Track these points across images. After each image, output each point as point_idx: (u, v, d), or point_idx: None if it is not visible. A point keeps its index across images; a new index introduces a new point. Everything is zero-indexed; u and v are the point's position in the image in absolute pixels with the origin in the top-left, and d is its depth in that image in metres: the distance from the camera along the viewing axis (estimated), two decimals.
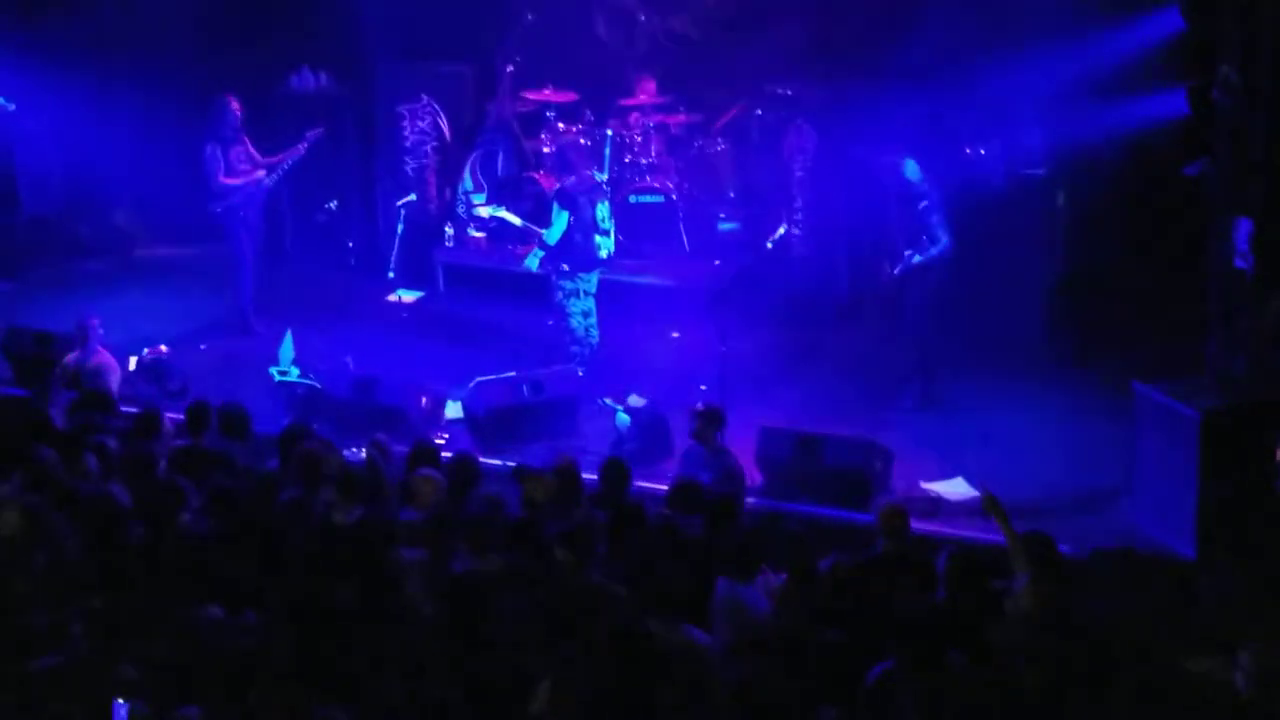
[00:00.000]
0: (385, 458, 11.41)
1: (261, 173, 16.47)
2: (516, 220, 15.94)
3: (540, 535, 9.90)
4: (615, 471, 11.20)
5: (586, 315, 15.21)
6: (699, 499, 10.78)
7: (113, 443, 11.39)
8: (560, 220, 15.01)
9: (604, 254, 15.41)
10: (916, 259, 14.39)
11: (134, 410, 12.71)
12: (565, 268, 15.11)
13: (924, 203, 14.39)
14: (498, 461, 13.02)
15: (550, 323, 15.50)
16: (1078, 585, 9.81)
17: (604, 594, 9.22)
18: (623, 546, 10.13)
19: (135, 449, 11.35)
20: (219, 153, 16.29)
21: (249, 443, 12.03)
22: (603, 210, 15.39)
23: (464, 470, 11.16)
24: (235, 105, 16.38)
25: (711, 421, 12.44)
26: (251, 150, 16.53)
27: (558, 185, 15.61)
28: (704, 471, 11.98)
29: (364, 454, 11.59)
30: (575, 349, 15.17)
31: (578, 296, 15.15)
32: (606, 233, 15.38)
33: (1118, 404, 13.14)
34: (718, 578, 9.56)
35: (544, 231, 15.22)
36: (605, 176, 17.45)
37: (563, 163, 15.89)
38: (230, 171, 16.36)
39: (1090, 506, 12.75)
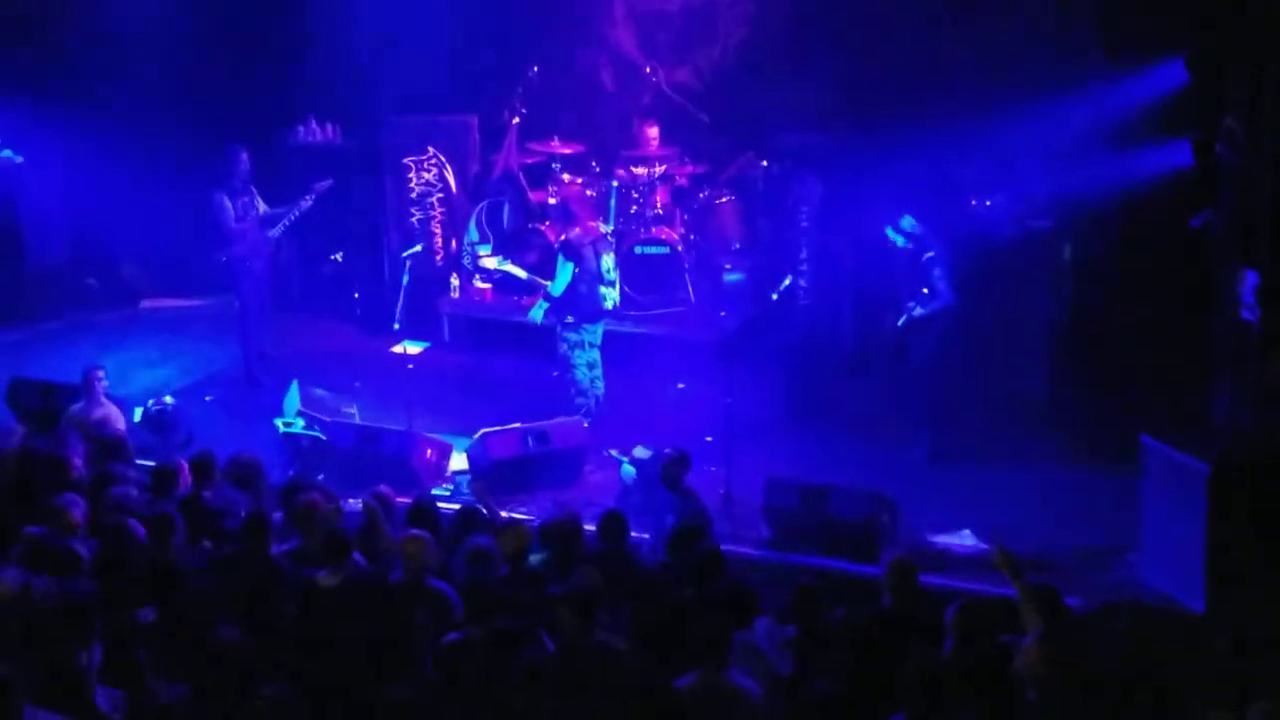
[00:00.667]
0: (388, 511, 11.36)
1: (279, 229, 16.49)
2: (521, 273, 15.95)
3: (526, 591, 9.84)
4: (613, 525, 11.14)
5: (592, 366, 15.23)
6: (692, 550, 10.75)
7: (132, 492, 11.36)
8: (565, 272, 15.03)
9: (609, 305, 15.43)
10: (918, 311, 14.39)
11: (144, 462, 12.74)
12: (570, 319, 15.13)
13: (928, 254, 14.40)
14: (503, 513, 12.99)
15: (555, 374, 15.50)
16: (1086, 639, 9.74)
17: (609, 653, 9.15)
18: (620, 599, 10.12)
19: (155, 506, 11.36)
20: (225, 201, 16.29)
21: (260, 493, 11.98)
22: (607, 261, 15.41)
23: (466, 523, 11.14)
24: (244, 156, 16.41)
25: (678, 466, 12.46)
26: (258, 201, 16.54)
27: (562, 237, 15.63)
28: (670, 514, 11.95)
29: (361, 505, 11.54)
30: (580, 400, 15.17)
31: (582, 348, 15.16)
32: (611, 284, 15.40)
33: (1125, 456, 13.09)
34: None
35: (548, 284, 15.24)
36: (611, 227, 17.48)
37: (566, 214, 15.90)
38: (237, 224, 16.36)
39: (1098, 559, 12.69)
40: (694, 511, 12.17)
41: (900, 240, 14.53)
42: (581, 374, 15.19)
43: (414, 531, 10.45)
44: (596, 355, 15.33)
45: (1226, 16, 13.23)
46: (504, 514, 11.93)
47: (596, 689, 8.70)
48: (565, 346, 15.24)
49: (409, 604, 9.90)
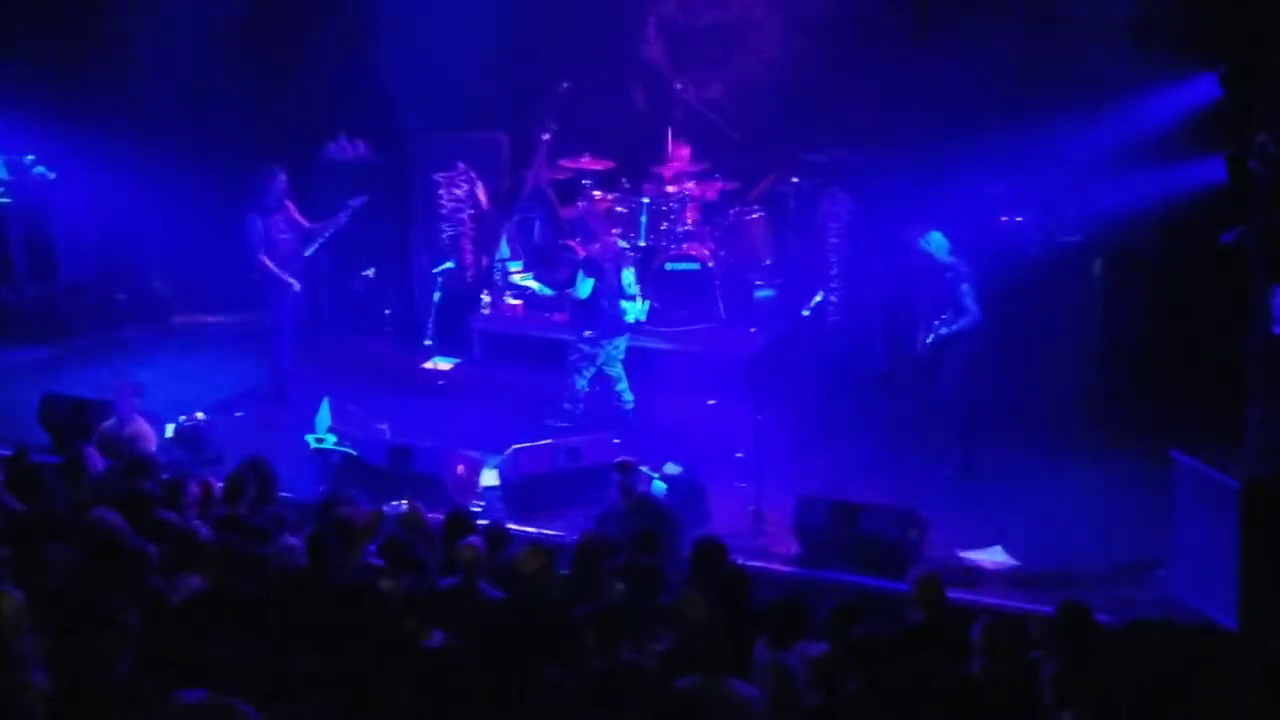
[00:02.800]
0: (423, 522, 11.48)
1: (296, 285, 16.45)
2: (545, 290, 16.08)
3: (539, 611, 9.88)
4: (649, 540, 11.14)
5: (616, 380, 15.30)
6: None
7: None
8: (585, 286, 15.09)
9: (631, 319, 15.46)
10: (944, 330, 14.38)
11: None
12: (589, 334, 15.18)
13: (952, 272, 14.38)
14: (533, 529, 13.03)
15: (597, 389, 15.49)
16: (1117, 655, 9.72)
17: (637, 673, 9.12)
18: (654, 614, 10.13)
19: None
20: (260, 225, 16.26)
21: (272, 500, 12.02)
22: (628, 276, 15.43)
23: (496, 539, 11.18)
24: (282, 176, 16.34)
25: (626, 474, 12.41)
26: (296, 216, 16.48)
27: (583, 253, 15.67)
28: (624, 528, 11.89)
29: (406, 510, 11.61)
30: (567, 406, 15.30)
31: (591, 363, 15.22)
32: (633, 298, 15.43)
33: (1156, 472, 13.08)
34: (756, 643, 9.52)
35: (570, 290, 15.36)
36: (643, 243, 17.55)
37: (585, 231, 15.98)
38: (270, 244, 16.30)
39: (1129, 575, 12.68)
40: (656, 516, 12.13)
41: (943, 249, 14.47)
42: (580, 383, 15.29)
43: (469, 539, 10.52)
44: (620, 370, 15.39)
45: (1260, 32, 13.23)
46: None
47: (624, 708, 8.69)
48: (576, 356, 15.33)
49: (464, 609, 9.98)
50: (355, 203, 16.58)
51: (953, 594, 10.46)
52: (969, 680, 8.95)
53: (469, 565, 10.32)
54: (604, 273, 15.17)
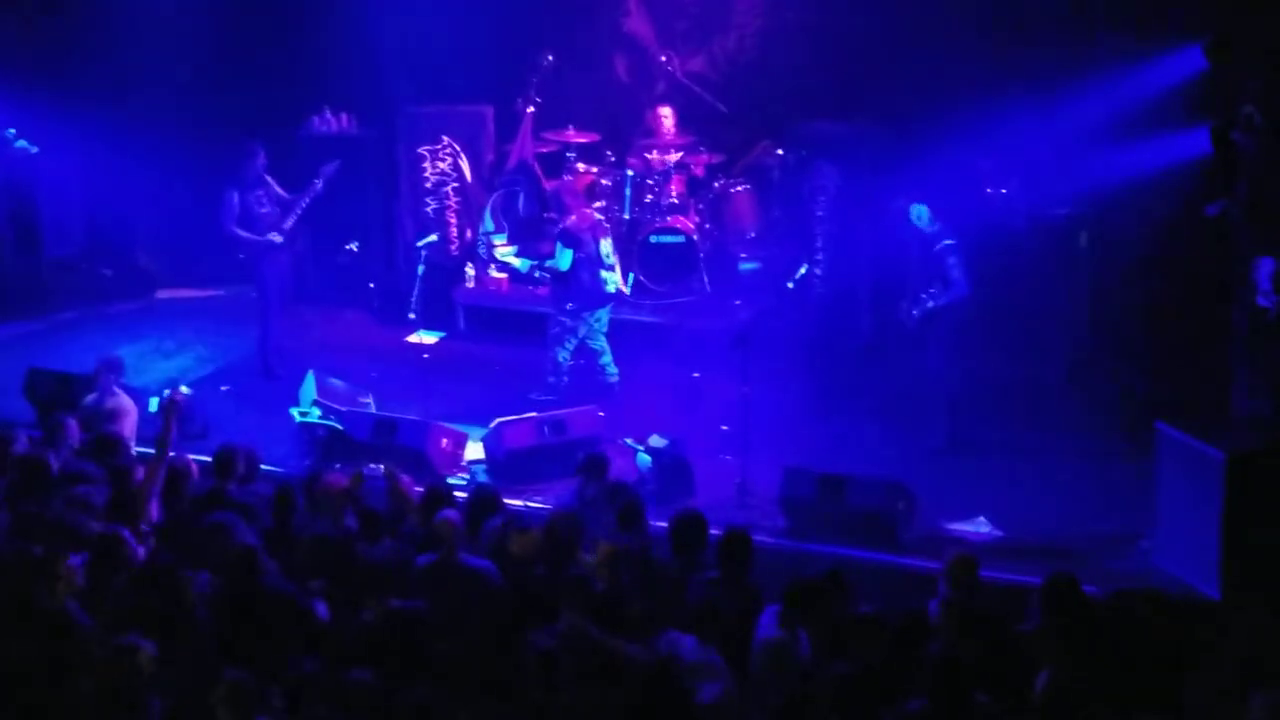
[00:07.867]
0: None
1: (277, 237, 16.29)
2: (520, 265, 16.14)
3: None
4: (632, 516, 11.12)
5: (600, 354, 15.26)
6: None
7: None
8: (565, 257, 15.05)
9: (611, 289, 15.43)
10: (930, 304, 14.36)
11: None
12: (570, 306, 15.13)
13: (944, 243, 14.35)
14: (519, 503, 13.02)
15: (580, 362, 15.47)
16: (1102, 626, 9.75)
17: (622, 655, 9.12)
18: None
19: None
20: (235, 200, 16.13)
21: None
22: (605, 246, 15.41)
23: (483, 503, 11.17)
24: (261, 152, 16.22)
25: (594, 470, 12.36)
26: (278, 190, 16.36)
27: (560, 225, 15.64)
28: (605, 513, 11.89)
29: (385, 478, 11.62)
30: (551, 380, 15.24)
31: (573, 335, 15.18)
32: (612, 268, 15.41)
33: (1141, 444, 13.08)
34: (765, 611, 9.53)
35: (550, 261, 15.31)
36: (627, 216, 17.54)
37: (560, 205, 15.98)
38: (247, 217, 16.18)
39: (1114, 546, 12.69)
40: (624, 504, 12.08)
41: (926, 221, 14.44)
42: (562, 356, 15.25)
43: (444, 513, 10.51)
44: (604, 342, 15.36)
45: (1244, 3, 13.24)
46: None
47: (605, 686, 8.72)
48: (557, 329, 15.28)
49: (446, 583, 9.99)
50: (328, 170, 16.33)
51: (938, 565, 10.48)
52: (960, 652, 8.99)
53: (448, 540, 10.32)
54: (582, 243, 15.12)
